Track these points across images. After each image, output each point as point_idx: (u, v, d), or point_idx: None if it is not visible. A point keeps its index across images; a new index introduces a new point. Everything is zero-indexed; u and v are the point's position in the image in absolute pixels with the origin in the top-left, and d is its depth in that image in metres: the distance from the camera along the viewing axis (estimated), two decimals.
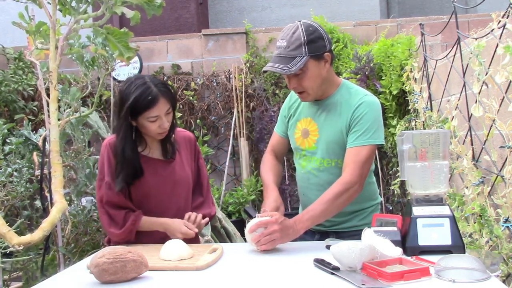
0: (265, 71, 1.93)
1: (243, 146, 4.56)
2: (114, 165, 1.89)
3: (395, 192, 3.84)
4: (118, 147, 1.87)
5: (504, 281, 1.72)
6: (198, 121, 4.72)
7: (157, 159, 1.96)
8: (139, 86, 1.81)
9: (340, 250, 1.42)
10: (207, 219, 1.98)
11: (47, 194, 2.47)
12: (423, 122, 3.17)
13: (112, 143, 1.92)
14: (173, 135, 1.98)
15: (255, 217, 1.77)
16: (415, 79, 3.50)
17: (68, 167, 2.84)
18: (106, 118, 4.68)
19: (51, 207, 1.61)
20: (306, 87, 1.84)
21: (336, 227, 1.95)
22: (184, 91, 4.75)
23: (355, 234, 1.90)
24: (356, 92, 1.90)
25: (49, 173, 2.21)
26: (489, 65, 1.94)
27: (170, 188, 1.96)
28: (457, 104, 2.42)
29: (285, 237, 1.71)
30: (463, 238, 1.60)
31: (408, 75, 3.68)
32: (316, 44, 1.80)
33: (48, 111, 1.90)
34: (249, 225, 1.73)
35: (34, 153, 2.81)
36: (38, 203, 2.90)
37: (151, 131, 1.86)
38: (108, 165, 1.90)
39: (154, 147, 1.97)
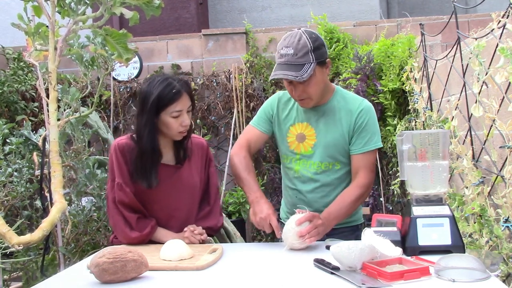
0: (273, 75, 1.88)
1: None
2: (140, 160, 1.87)
3: (395, 192, 3.84)
4: (146, 142, 1.85)
5: (504, 281, 1.72)
6: (198, 121, 4.72)
7: (166, 164, 1.94)
8: (161, 81, 1.84)
9: (340, 250, 1.42)
10: (205, 235, 1.93)
11: (47, 194, 2.47)
12: (423, 122, 3.17)
13: (121, 144, 1.91)
14: (189, 138, 1.97)
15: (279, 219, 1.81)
16: (415, 79, 3.50)
17: (68, 167, 2.83)
18: (106, 118, 4.68)
19: (51, 207, 1.61)
20: (311, 93, 1.88)
21: None
22: None
23: (344, 231, 1.97)
24: (352, 98, 1.99)
25: (49, 173, 2.21)
26: (489, 65, 1.94)
27: (174, 195, 1.94)
28: (457, 104, 2.42)
29: (322, 233, 1.75)
30: (463, 238, 1.60)
31: (408, 75, 3.68)
32: (320, 51, 1.86)
33: (48, 111, 1.89)
34: (294, 219, 1.71)
35: (34, 153, 2.81)
36: (38, 203, 2.89)
37: (173, 129, 1.86)
38: (118, 167, 1.89)
39: (166, 152, 1.95)
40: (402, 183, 3.63)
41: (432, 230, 1.56)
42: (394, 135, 3.97)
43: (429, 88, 3.13)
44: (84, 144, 2.89)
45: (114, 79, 4.58)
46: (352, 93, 2.05)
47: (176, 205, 1.96)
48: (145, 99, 1.84)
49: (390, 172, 4.15)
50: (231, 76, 4.69)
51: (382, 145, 1.98)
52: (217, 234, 3.35)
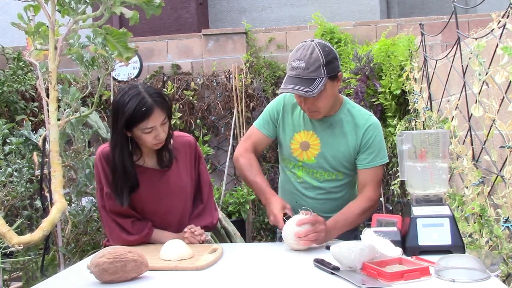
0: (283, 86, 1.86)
1: None
2: (111, 176, 1.85)
3: (395, 192, 3.84)
4: (117, 162, 1.82)
5: (504, 281, 1.72)
6: (198, 121, 4.72)
7: (152, 168, 1.91)
8: (133, 97, 1.75)
9: (340, 250, 1.42)
10: (205, 235, 1.94)
11: (47, 194, 2.47)
12: (423, 122, 3.17)
13: (105, 152, 1.87)
14: (170, 144, 1.91)
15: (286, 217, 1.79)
16: (415, 79, 3.50)
17: (68, 167, 2.83)
18: (106, 118, 4.68)
19: (51, 207, 1.61)
20: (320, 107, 1.88)
21: None
22: (184, 91, 4.75)
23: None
24: (359, 113, 1.98)
25: (49, 173, 2.21)
26: (489, 65, 1.94)
27: (164, 199, 1.92)
28: (457, 104, 2.42)
29: (323, 239, 1.74)
30: (463, 238, 1.60)
31: (408, 75, 3.68)
32: (333, 65, 1.83)
33: (48, 111, 1.89)
34: (295, 219, 1.71)
35: (34, 153, 2.81)
36: (38, 203, 2.89)
37: (147, 143, 1.81)
38: (104, 176, 1.87)
39: (150, 157, 1.91)
40: (402, 183, 3.62)
41: (432, 230, 1.57)
42: (394, 135, 3.96)
43: (429, 88, 3.13)
44: (84, 144, 2.89)
45: (114, 79, 4.57)
46: (359, 107, 2.04)
47: (167, 208, 1.93)
48: (116, 115, 1.78)
49: (390, 172, 4.14)
50: (231, 76, 4.68)
51: (388, 160, 2.00)
52: (216, 233, 3.37)
